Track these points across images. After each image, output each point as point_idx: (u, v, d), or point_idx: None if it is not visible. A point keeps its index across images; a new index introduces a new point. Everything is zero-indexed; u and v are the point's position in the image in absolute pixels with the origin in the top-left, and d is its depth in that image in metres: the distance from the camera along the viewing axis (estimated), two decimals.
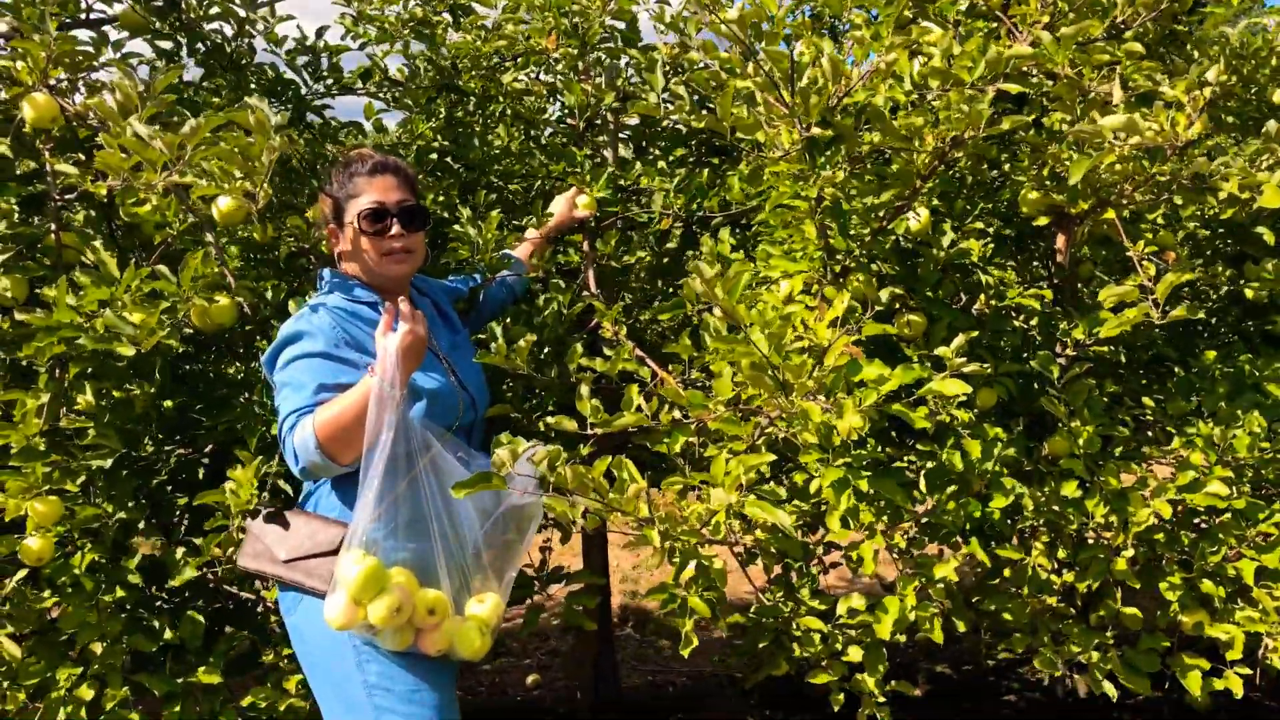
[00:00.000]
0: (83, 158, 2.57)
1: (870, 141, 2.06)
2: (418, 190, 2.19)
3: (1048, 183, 2.42)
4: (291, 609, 2.01)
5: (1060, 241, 2.46)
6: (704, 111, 2.44)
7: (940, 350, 1.95)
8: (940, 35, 2.09)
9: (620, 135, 3.40)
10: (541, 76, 3.30)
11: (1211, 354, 2.67)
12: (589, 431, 2.08)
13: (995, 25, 2.22)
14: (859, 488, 1.96)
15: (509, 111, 3.37)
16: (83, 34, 2.88)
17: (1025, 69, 2.11)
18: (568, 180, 3.06)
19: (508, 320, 2.67)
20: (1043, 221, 2.46)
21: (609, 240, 3.00)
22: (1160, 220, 2.84)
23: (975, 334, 2.12)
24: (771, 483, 2.32)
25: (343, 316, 2.02)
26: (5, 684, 2.20)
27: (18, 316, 2.20)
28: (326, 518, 1.98)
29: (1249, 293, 2.74)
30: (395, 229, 2.07)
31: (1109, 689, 2.21)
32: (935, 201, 2.42)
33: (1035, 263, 3.03)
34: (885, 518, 2.10)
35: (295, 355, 1.95)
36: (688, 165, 3.18)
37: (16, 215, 2.33)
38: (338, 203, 2.11)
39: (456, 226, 2.69)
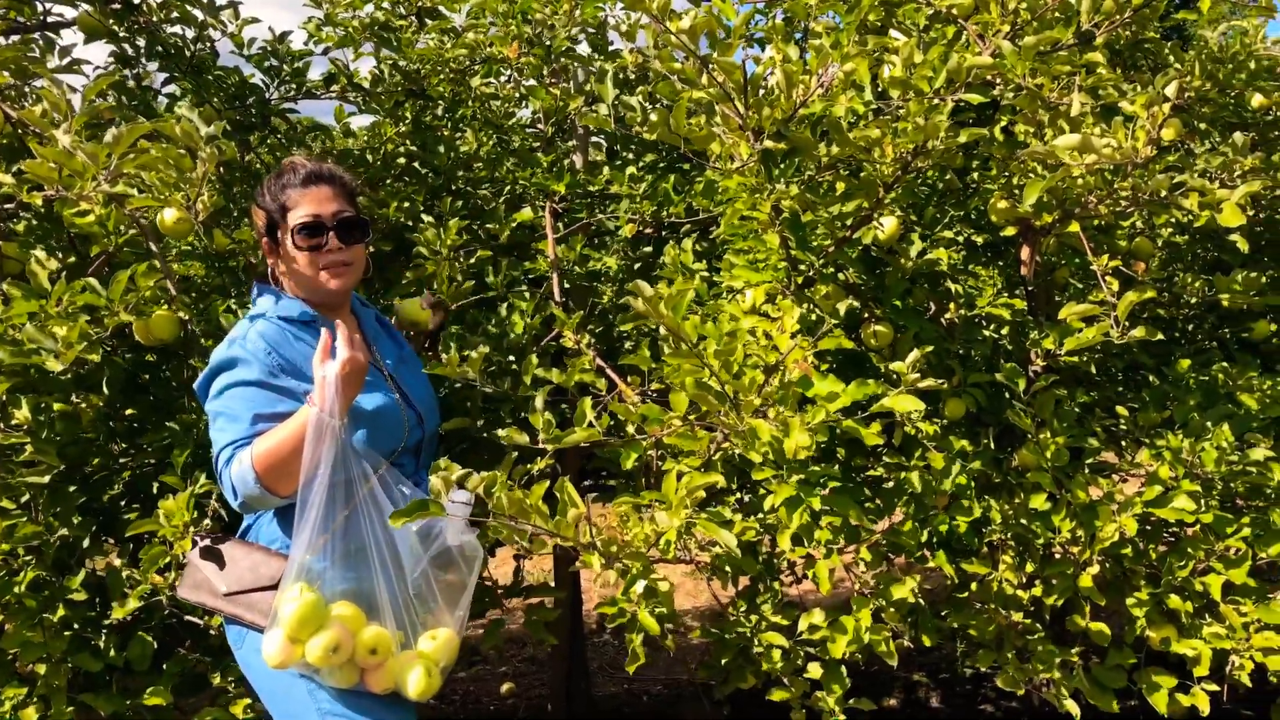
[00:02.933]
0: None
1: (828, 153, 2.00)
2: (356, 200, 2.08)
3: (1015, 191, 2.37)
4: (238, 643, 1.94)
5: (1025, 253, 2.41)
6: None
7: (895, 365, 1.90)
8: (902, 43, 2.05)
9: (592, 139, 3.36)
10: (511, 79, 3.25)
11: (1185, 363, 2.63)
12: (540, 445, 2.04)
13: (959, 32, 2.17)
14: (812, 505, 1.91)
15: (478, 116, 3.32)
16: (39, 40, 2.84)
17: (989, 78, 2.06)
18: (533, 185, 3.01)
19: (463, 329, 2.62)
20: (1010, 232, 2.41)
21: (575, 246, 2.95)
22: (1139, 225, 2.79)
23: (931, 348, 2.07)
24: (725, 501, 2.28)
25: (277, 339, 1.91)
26: None
27: None
28: (269, 549, 1.91)
29: (1224, 300, 2.70)
30: (333, 242, 1.95)
31: (1072, 707, 2.17)
32: (901, 212, 2.36)
33: (1010, 270, 2.99)
34: (842, 536, 2.05)
35: (229, 384, 1.87)
36: (658, 170, 3.13)
37: None
38: (270, 216, 1.98)
39: (417, 235, 2.65)
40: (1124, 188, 1.91)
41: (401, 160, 3.26)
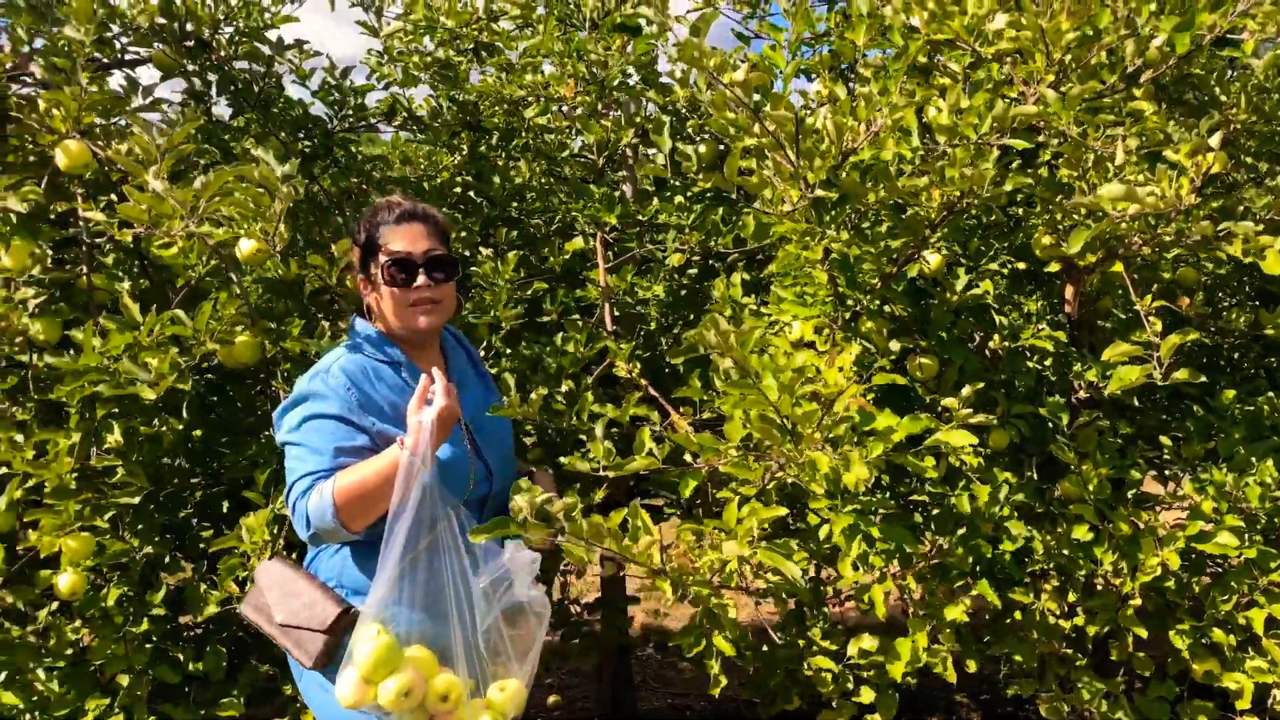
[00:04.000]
0: (115, 199, 2.66)
1: (877, 197, 2.08)
2: (449, 238, 2.11)
3: (1060, 227, 2.44)
4: (298, 673, 2.00)
5: (1069, 292, 2.47)
6: (721, 162, 2.47)
7: (948, 400, 1.98)
8: (950, 89, 2.12)
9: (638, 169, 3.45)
10: (563, 110, 3.35)
11: (1230, 394, 2.66)
12: (601, 474, 2.12)
13: (1004, 78, 2.24)
14: (869, 534, 1.98)
15: (530, 146, 3.42)
16: (118, 76, 2.98)
17: (1034, 124, 2.13)
18: (585, 216, 3.11)
19: (524, 367, 2.70)
20: (1054, 268, 2.47)
21: (625, 275, 3.05)
22: (1183, 254, 2.83)
23: (982, 385, 2.13)
24: (787, 532, 2.35)
25: (358, 377, 1.96)
26: (38, 714, 2.26)
27: (49, 360, 2.28)
28: (327, 590, 1.93)
29: (1270, 331, 2.73)
30: (422, 279, 1.99)
31: None
32: (945, 250, 2.43)
33: (1053, 301, 3.04)
34: (895, 561, 2.12)
35: (309, 415, 1.91)
36: (705, 201, 3.22)
37: (50, 259, 2.40)
38: (365, 251, 2.04)
39: (475, 268, 2.75)
40: (1168, 233, 1.97)
41: (457, 190, 3.37)
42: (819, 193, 1.94)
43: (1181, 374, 2.02)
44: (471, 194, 3.38)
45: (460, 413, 1.89)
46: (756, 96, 1.84)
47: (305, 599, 1.91)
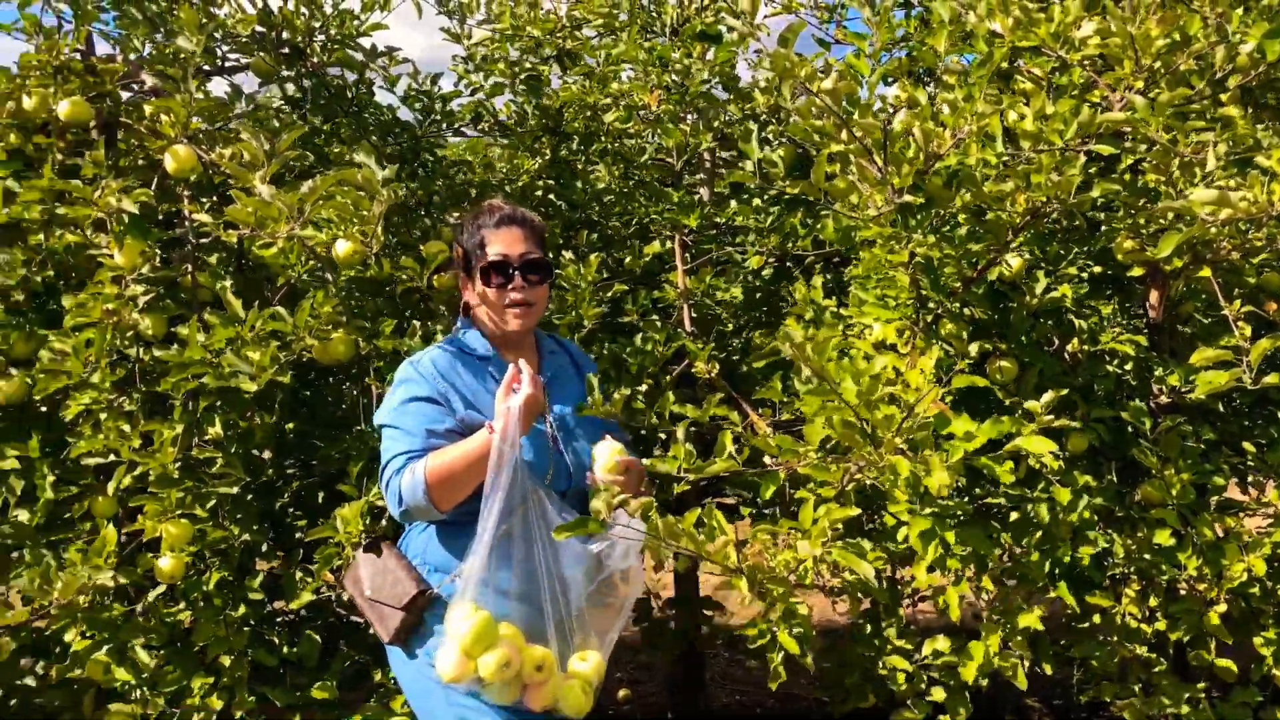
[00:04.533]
0: (216, 200, 2.78)
1: (962, 202, 2.10)
2: (545, 242, 2.22)
3: (1143, 232, 2.43)
4: (389, 650, 2.13)
5: (1154, 297, 2.46)
6: (803, 162, 2.51)
7: (1029, 404, 1.99)
8: (1034, 95, 2.13)
9: (718, 173, 3.50)
10: (644, 116, 3.41)
11: None
12: (681, 476, 2.17)
13: (1087, 83, 2.24)
14: (946, 538, 2.01)
15: (610, 150, 3.49)
16: (218, 83, 3.12)
17: (1118, 130, 2.14)
18: (664, 219, 3.16)
19: (606, 366, 2.76)
20: (1138, 272, 2.46)
21: (704, 277, 3.10)
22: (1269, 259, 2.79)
23: (1065, 391, 2.14)
24: (861, 532, 2.37)
25: (446, 368, 2.09)
26: (146, 690, 2.38)
27: (156, 353, 2.40)
28: (412, 569, 2.06)
29: None
30: (517, 281, 2.10)
31: None
32: (1029, 252, 2.44)
33: (1131, 305, 3.02)
34: (971, 565, 2.14)
35: (403, 399, 2.04)
36: (783, 204, 3.25)
37: (158, 258, 2.52)
38: (467, 252, 2.16)
39: (558, 271, 2.82)
40: (1258, 238, 1.97)
41: (538, 193, 3.45)
42: (905, 198, 1.97)
43: (1272, 378, 2.01)
44: (552, 197, 3.46)
45: (545, 403, 2.00)
46: (844, 103, 1.88)
47: (391, 577, 2.06)
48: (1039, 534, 2.32)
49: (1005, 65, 2.53)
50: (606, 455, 2.04)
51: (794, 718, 4.07)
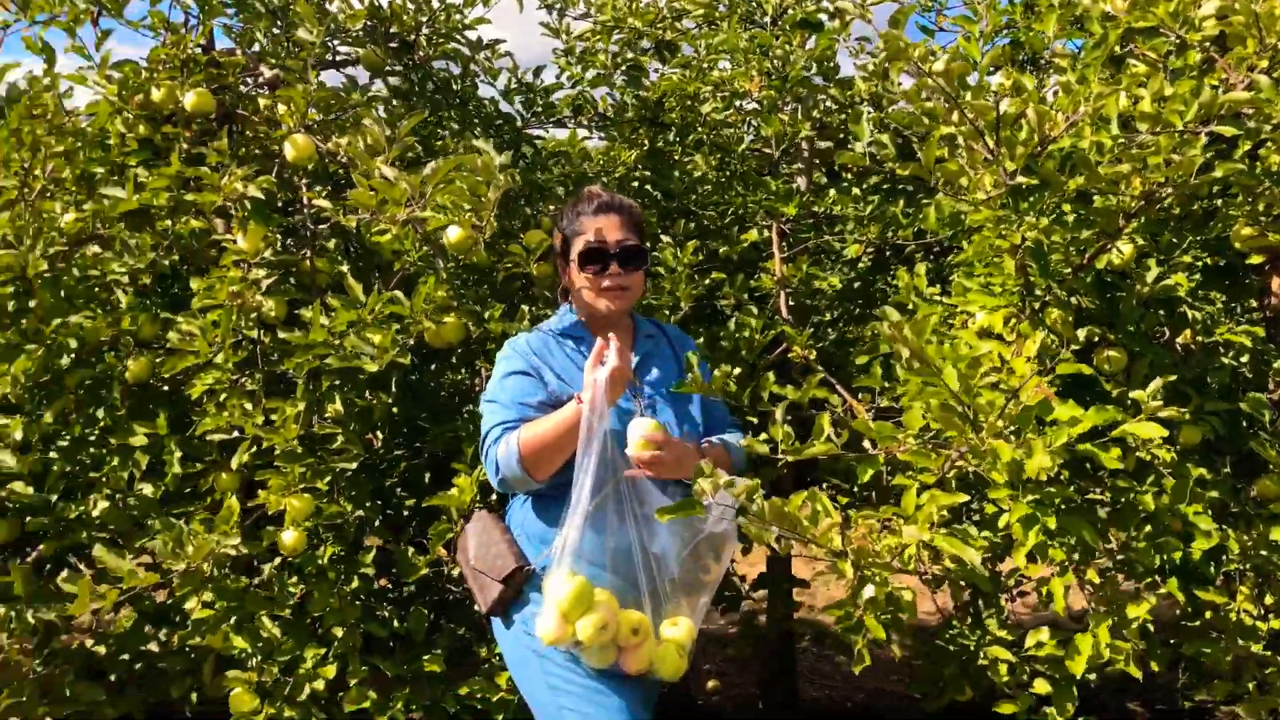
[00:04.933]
0: (334, 190, 2.89)
1: (1076, 185, 2.07)
2: (642, 229, 2.28)
3: (1263, 218, 2.36)
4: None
5: (1275, 284, 2.39)
6: (902, 150, 2.50)
7: (1136, 394, 1.96)
8: (1152, 77, 2.09)
9: (815, 162, 3.49)
10: (741, 106, 3.43)
11: None
12: (779, 456, 2.18)
13: (1206, 61, 2.19)
14: (1047, 525, 1.98)
15: (706, 140, 3.51)
16: (329, 75, 3.23)
17: (1239, 111, 2.08)
18: (761, 207, 3.17)
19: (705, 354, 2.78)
20: (1257, 260, 2.39)
21: (801, 265, 3.10)
22: None
23: (1174, 377, 2.10)
24: (966, 519, 2.36)
25: (540, 348, 2.20)
26: (262, 659, 2.49)
27: (280, 335, 2.50)
28: (514, 544, 2.15)
29: None
30: (613, 267, 2.18)
31: None
32: (1140, 240, 2.39)
33: (1244, 296, 2.93)
34: (1076, 555, 2.11)
35: (501, 374, 2.17)
36: (882, 193, 3.23)
37: (279, 243, 2.63)
38: (565, 238, 2.25)
39: (655, 254, 2.86)
40: None
41: (635, 184, 3.49)
42: (1018, 180, 1.95)
43: None
44: (649, 188, 3.49)
45: (632, 375, 2.08)
46: (955, 85, 1.87)
47: (495, 549, 2.14)
48: (1146, 525, 2.27)
49: (1118, 49, 2.48)
50: (638, 432, 2.07)
51: (883, 713, 4.04)
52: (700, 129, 3.49)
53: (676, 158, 3.53)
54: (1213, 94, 1.93)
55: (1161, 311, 2.62)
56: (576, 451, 1.99)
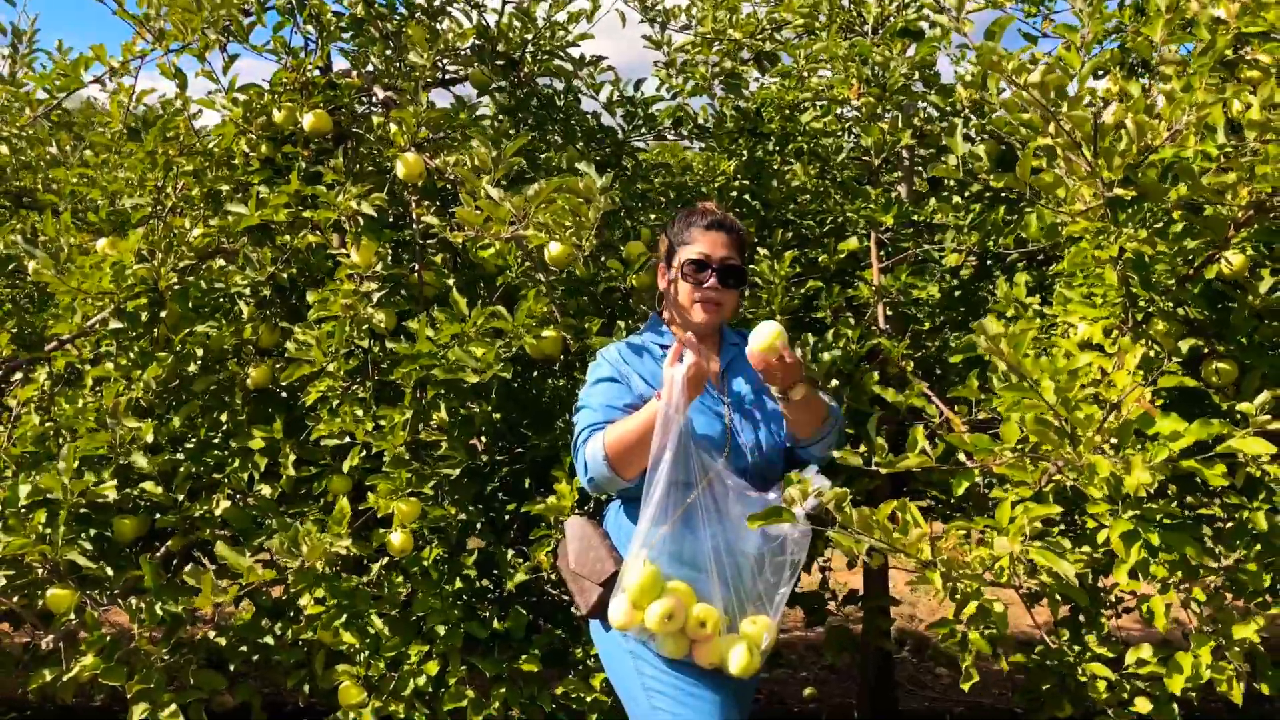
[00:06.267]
0: (441, 205, 3.00)
1: (1178, 195, 2.03)
2: (745, 251, 2.38)
3: None
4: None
5: None
6: (1003, 158, 2.47)
7: (1243, 406, 1.91)
8: (1262, 83, 2.04)
9: (915, 170, 3.47)
10: (841, 115, 3.44)
11: None
12: (872, 468, 2.19)
13: None
14: (1149, 540, 1.95)
15: (805, 150, 3.52)
16: (438, 93, 3.35)
17: None
18: (861, 216, 3.17)
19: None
20: None
21: (899, 275, 3.09)
22: None
23: (1264, 373, 2.04)
24: (1058, 530, 2.33)
25: (629, 356, 2.29)
26: (369, 654, 2.61)
27: (388, 345, 2.62)
28: (612, 548, 2.22)
29: None
30: (712, 281, 2.26)
31: None
32: (1250, 250, 2.32)
33: None
34: (1179, 573, 2.06)
35: (592, 381, 2.28)
36: (983, 201, 3.20)
37: (390, 257, 2.75)
38: (672, 245, 2.34)
39: (752, 265, 2.89)
40: None
41: (734, 194, 3.53)
42: (1116, 191, 1.93)
43: None
44: (748, 197, 3.52)
45: (709, 374, 2.15)
46: (1052, 96, 1.86)
47: (595, 553, 2.22)
48: (1257, 545, 2.21)
49: (1229, 54, 2.42)
50: (766, 334, 2.13)
51: None
52: (800, 138, 3.51)
53: (775, 167, 3.55)
54: None
55: (1276, 323, 2.54)
56: (653, 445, 2.05)
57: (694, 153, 3.79)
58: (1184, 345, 2.15)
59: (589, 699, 2.61)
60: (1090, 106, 2.15)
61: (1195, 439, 1.86)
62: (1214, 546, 2.23)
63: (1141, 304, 2.32)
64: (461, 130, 2.86)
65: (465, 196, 2.34)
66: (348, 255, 2.72)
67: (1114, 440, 1.83)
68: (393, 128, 2.80)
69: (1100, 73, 3.24)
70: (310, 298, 2.66)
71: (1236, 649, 2.01)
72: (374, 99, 3.09)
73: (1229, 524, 2.20)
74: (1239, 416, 2.08)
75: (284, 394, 2.91)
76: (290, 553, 2.32)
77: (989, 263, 3.17)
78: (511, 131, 3.27)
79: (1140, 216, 2.05)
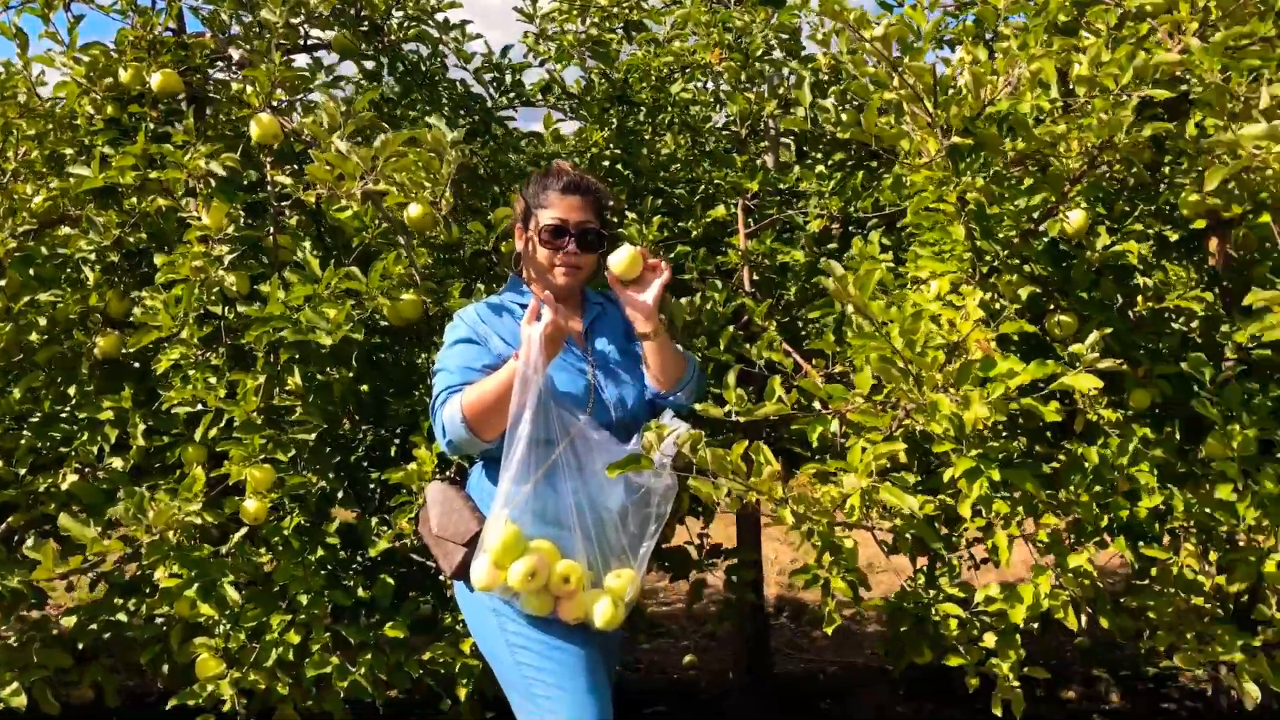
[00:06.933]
0: (297, 168, 2.92)
1: (1014, 148, 2.12)
2: (604, 213, 2.35)
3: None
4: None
5: (1213, 245, 2.44)
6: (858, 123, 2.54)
7: (1075, 347, 2.00)
8: (1090, 42, 2.14)
9: (782, 140, 3.54)
10: (708, 86, 3.48)
11: None
12: (733, 418, 2.23)
13: (1152, 30, 2.23)
14: (991, 477, 2.03)
15: (676, 120, 3.55)
16: (301, 59, 3.27)
17: (1179, 75, 2.13)
18: (727, 184, 3.22)
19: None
20: (1200, 224, 2.44)
21: (765, 240, 3.14)
22: None
23: (1109, 330, 2.15)
24: (911, 477, 2.40)
25: (488, 315, 2.27)
26: (229, 626, 2.54)
27: (240, 309, 2.55)
28: (474, 508, 2.21)
29: None
30: (570, 247, 2.25)
31: (1252, 690, 2.19)
32: (1085, 205, 2.44)
33: (1204, 265, 2.98)
34: (1020, 509, 2.16)
35: (449, 343, 2.24)
36: (846, 169, 3.28)
37: (242, 220, 2.67)
38: (528, 207, 2.30)
39: (622, 230, 2.90)
40: None
41: (606, 163, 3.53)
42: (955, 139, 2.00)
43: None
44: (620, 166, 3.53)
45: (568, 329, 2.13)
46: (897, 51, 1.92)
47: (457, 516, 2.19)
48: (1096, 486, 2.32)
49: (1070, 20, 2.53)
50: (624, 255, 2.19)
51: (854, 679, 4.10)
52: (671, 109, 3.54)
53: (646, 137, 3.57)
54: (1146, 58, 1.98)
55: (1114, 279, 2.67)
56: (512, 405, 2.04)
57: (569, 130, 3.79)
58: (1023, 292, 2.24)
59: (458, 664, 2.58)
60: (945, 75, 2.23)
61: (1031, 378, 1.94)
62: (1055, 487, 2.34)
63: (988, 258, 2.41)
64: (320, 87, 2.79)
65: (315, 153, 2.28)
66: (198, 218, 2.62)
67: (954, 379, 1.90)
68: (247, 89, 2.72)
69: (955, 43, 3.36)
70: (158, 260, 2.56)
71: (1071, 576, 2.11)
72: (230, 61, 2.99)
73: (1064, 463, 2.30)
74: (1072, 358, 2.18)
75: (136, 364, 2.80)
76: (136, 519, 2.23)
77: (851, 229, 3.25)
78: (375, 98, 3.21)
79: (978, 166, 2.13)
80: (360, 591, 2.63)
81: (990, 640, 2.27)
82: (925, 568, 2.63)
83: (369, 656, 2.55)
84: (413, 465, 2.47)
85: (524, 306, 2.27)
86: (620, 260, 2.25)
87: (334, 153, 2.24)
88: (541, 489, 2.07)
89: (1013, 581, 2.36)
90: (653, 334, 2.27)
